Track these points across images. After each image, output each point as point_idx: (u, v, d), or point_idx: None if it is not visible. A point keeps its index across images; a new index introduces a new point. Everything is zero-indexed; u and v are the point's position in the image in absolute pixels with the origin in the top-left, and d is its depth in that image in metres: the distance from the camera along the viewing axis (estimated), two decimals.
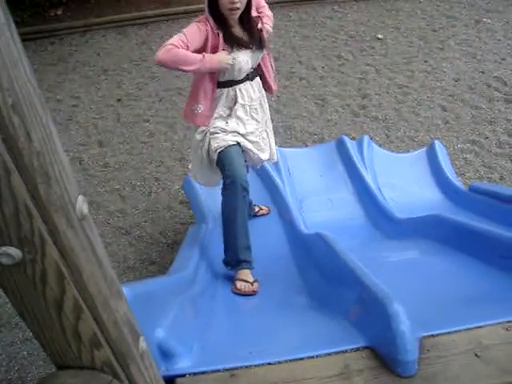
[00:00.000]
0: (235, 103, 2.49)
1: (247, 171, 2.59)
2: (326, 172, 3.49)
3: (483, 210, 2.79)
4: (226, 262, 2.53)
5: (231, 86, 2.47)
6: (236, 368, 1.28)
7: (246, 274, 2.44)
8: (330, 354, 1.32)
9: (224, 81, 2.45)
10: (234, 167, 2.37)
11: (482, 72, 5.58)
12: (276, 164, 3.40)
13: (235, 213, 2.40)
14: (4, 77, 0.62)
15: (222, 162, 2.43)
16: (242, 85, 2.48)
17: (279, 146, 3.71)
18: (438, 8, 7.31)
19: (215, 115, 2.50)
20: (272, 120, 4.80)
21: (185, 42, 2.26)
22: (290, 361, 1.30)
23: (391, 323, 1.27)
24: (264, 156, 2.67)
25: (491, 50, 6.03)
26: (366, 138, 3.64)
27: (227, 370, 1.27)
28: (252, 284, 2.37)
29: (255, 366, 1.29)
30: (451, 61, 5.89)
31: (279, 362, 1.30)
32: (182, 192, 3.82)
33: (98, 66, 6.50)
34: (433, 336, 1.36)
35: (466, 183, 3.90)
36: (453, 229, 2.23)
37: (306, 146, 4.50)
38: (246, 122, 2.53)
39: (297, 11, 7.53)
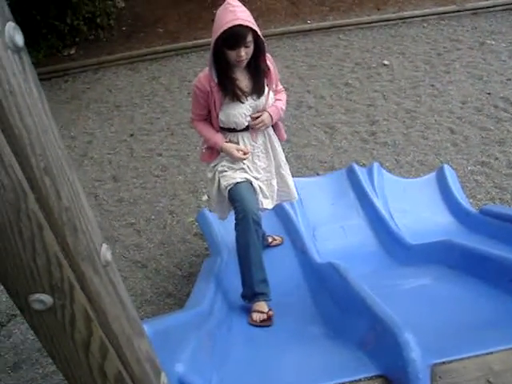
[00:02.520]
0: None
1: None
2: (338, 200, 3.53)
3: (495, 232, 2.80)
4: (243, 296, 2.56)
5: (232, 132, 2.55)
6: None
7: (261, 305, 2.47)
8: None
9: (224, 127, 2.53)
10: (245, 202, 2.43)
11: (489, 93, 5.63)
12: None
13: (248, 247, 2.44)
14: (37, 144, 0.69)
15: (233, 198, 2.50)
16: (243, 132, 2.55)
17: None
18: (442, 32, 7.41)
19: (222, 154, 2.59)
20: (283, 150, 4.93)
21: (196, 113, 2.56)
22: None
23: (402, 352, 1.30)
24: (266, 203, 2.68)
25: (497, 71, 6.08)
26: (375, 165, 3.68)
27: None
28: (266, 314, 2.41)
29: None
30: (457, 83, 5.95)
31: None
32: (197, 224, 3.88)
33: (110, 103, 6.66)
34: (444, 363, 1.38)
35: (478, 205, 3.92)
36: (463, 254, 2.25)
37: (317, 174, 4.55)
38: (251, 167, 2.59)
39: (303, 41, 7.68)
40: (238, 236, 2.50)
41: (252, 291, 2.50)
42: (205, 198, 4.47)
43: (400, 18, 7.83)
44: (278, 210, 3.42)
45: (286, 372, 1.52)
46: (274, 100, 2.58)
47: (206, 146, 2.65)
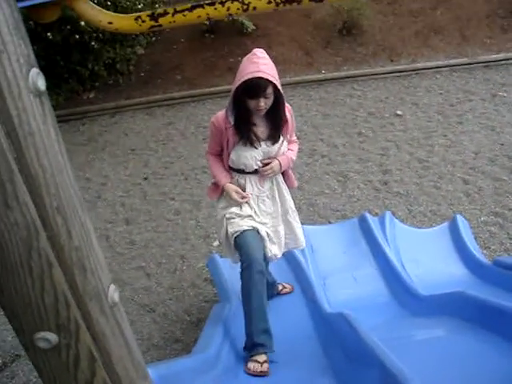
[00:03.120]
0: (244, 191, 2.59)
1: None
2: (349, 249, 3.51)
3: (509, 284, 2.76)
4: (244, 346, 2.51)
5: (241, 174, 2.59)
6: None
7: (260, 356, 2.42)
8: None
9: (234, 167, 2.58)
10: (249, 251, 2.44)
11: (502, 144, 5.65)
12: None
13: (250, 296, 2.43)
14: (51, 183, 0.71)
15: (238, 246, 2.51)
16: (251, 175, 2.58)
17: (301, 224, 3.77)
18: (455, 83, 7.50)
19: (225, 194, 2.63)
20: (294, 197, 4.91)
21: (211, 147, 2.64)
22: None
23: None
24: (274, 250, 2.66)
25: (509, 123, 6.12)
26: (387, 214, 3.67)
27: None
28: (261, 365, 2.35)
29: None
30: (470, 134, 5.98)
31: None
32: (207, 270, 3.86)
33: (126, 146, 6.77)
34: None
35: (492, 256, 3.87)
36: (477, 306, 2.21)
37: (329, 222, 4.54)
38: (257, 211, 2.61)
39: (317, 90, 7.80)
40: (242, 283, 2.49)
41: (252, 341, 2.45)
42: (216, 243, 4.47)
43: (413, 70, 7.96)
44: (289, 258, 3.40)
45: None
46: (287, 149, 2.63)
47: (213, 181, 2.72)
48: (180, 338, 3.51)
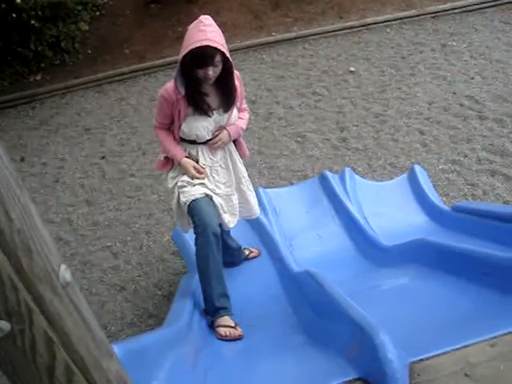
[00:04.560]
0: (197, 162, 2.56)
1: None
2: (312, 208, 3.54)
3: (469, 228, 2.83)
4: (205, 311, 2.54)
5: (192, 144, 2.55)
6: None
7: (225, 319, 2.45)
8: None
9: (186, 139, 2.54)
10: (203, 216, 2.42)
11: (454, 93, 5.73)
12: (262, 205, 3.45)
13: (208, 261, 2.44)
14: None
15: (192, 213, 2.48)
16: (203, 145, 2.56)
17: (263, 188, 3.77)
18: (405, 36, 7.53)
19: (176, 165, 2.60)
20: (255, 162, 4.95)
21: (159, 121, 2.58)
22: None
23: (378, 353, 1.29)
24: (227, 218, 2.65)
25: (460, 71, 6.20)
26: (347, 171, 3.71)
27: None
28: (236, 328, 2.40)
29: None
30: (423, 85, 6.04)
31: None
32: (173, 243, 3.84)
33: (79, 126, 6.60)
34: (422, 360, 1.37)
35: (451, 202, 3.96)
36: (438, 251, 2.26)
37: (292, 183, 4.56)
38: (210, 181, 2.59)
39: (269, 53, 7.72)
40: (197, 250, 2.49)
41: (213, 306, 2.47)
42: None
43: (363, 25, 7.94)
44: (254, 223, 3.41)
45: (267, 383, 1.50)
46: (237, 118, 2.60)
47: (164, 155, 2.64)
48: (153, 313, 3.51)
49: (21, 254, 0.76)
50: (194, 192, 2.50)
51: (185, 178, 2.54)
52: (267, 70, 7.18)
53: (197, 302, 2.52)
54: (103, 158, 5.75)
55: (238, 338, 2.36)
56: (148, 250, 4.17)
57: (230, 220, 2.68)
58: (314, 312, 2.07)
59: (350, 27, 7.93)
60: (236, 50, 7.56)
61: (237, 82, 2.50)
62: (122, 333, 3.43)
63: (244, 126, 2.67)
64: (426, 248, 2.37)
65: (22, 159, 6.03)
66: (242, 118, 2.66)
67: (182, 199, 2.52)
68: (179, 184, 2.55)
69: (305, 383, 1.42)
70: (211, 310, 2.49)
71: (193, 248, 3.18)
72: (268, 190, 3.77)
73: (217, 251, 2.46)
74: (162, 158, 2.66)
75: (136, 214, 4.66)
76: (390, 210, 3.41)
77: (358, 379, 1.36)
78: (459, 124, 5.11)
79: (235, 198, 2.71)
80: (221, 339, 2.36)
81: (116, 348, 1.14)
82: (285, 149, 5.22)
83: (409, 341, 1.45)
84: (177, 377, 1.41)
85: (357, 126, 5.41)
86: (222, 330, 2.39)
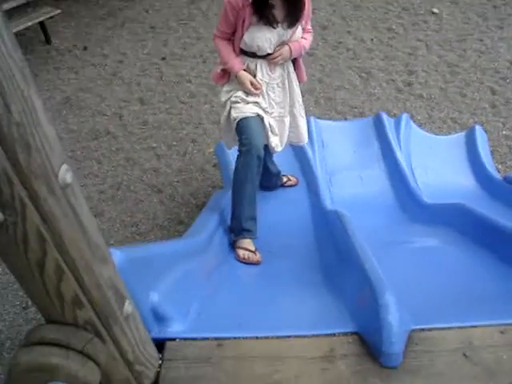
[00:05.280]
0: (254, 76, 2.49)
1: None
2: (360, 148, 3.44)
3: None
4: (230, 228, 2.59)
5: (252, 58, 2.47)
6: (224, 338, 1.31)
7: (247, 242, 2.50)
8: (317, 336, 1.33)
9: (246, 51, 2.46)
10: (251, 136, 2.40)
11: None
12: (310, 135, 3.37)
13: (245, 181, 2.44)
14: None
15: (240, 130, 2.47)
16: (263, 60, 2.47)
17: (316, 117, 3.67)
18: None
19: (233, 78, 2.53)
20: (313, 90, 4.81)
21: (221, 30, 2.44)
22: (278, 337, 1.32)
23: (379, 313, 1.26)
24: (275, 141, 2.62)
25: None
26: (404, 117, 3.55)
27: (216, 339, 1.31)
28: (255, 253, 2.44)
29: (243, 338, 1.32)
30: (509, 41, 5.61)
31: (266, 337, 1.32)
32: (215, 156, 3.85)
33: (145, 23, 6.52)
34: (424, 330, 1.34)
35: (506, 171, 3.79)
36: (475, 221, 2.16)
37: (346, 119, 4.43)
38: (265, 99, 2.53)
39: None
40: (236, 168, 2.49)
41: (239, 225, 2.51)
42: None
43: None
44: (298, 151, 3.36)
45: (268, 313, 1.51)
46: (300, 37, 2.50)
47: (221, 67, 2.58)
48: (184, 220, 3.58)
49: (18, 148, 0.74)
50: (246, 110, 2.46)
51: (239, 93, 2.49)
52: None
53: (223, 219, 2.53)
54: (163, 59, 5.70)
55: (255, 264, 2.40)
56: (190, 158, 4.20)
57: (278, 144, 2.65)
58: (335, 253, 2.05)
59: None
60: None
61: (306, 0, 2.39)
62: (151, 233, 3.54)
63: (307, 46, 2.57)
64: (464, 214, 2.27)
65: (85, 48, 6.04)
66: (305, 39, 2.55)
67: (233, 114, 2.49)
68: (233, 99, 2.51)
69: (303, 322, 1.42)
70: (236, 229, 2.53)
71: (233, 165, 3.21)
72: (320, 120, 3.66)
73: (256, 173, 2.45)
74: (219, 70, 2.60)
75: (186, 121, 4.66)
76: (439, 166, 3.28)
77: (355, 333, 1.35)
78: None
79: (287, 120, 2.68)
80: (239, 261, 2.41)
81: (120, 254, 1.15)
82: (347, 82, 5.04)
83: (419, 307, 1.41)
84: (179, 290, 1.43)
85: (426, 72, 5.13)
86: (241, 252, 2.44)
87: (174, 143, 4.39)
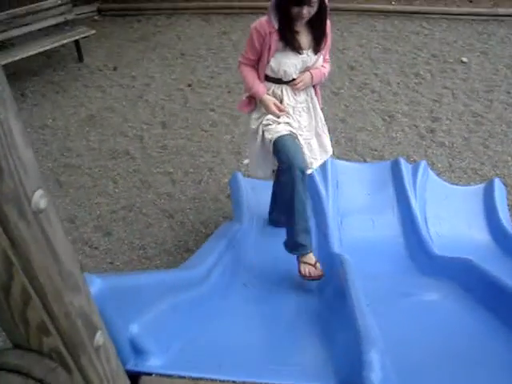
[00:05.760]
0: (281, 101, 2.55)
1: None
2: (375, 191, 3.40)
3: None
4: (285, 244, 2.60)
5: (278, 84, 2.54)
6: (200, 378, 1.27)
7: (308, 257, 2.51)
8: None
9: (272, 77, 2.52)
10: (290, 152, 2.42)
11: None
12: (325, 174, 3.36)
13: (293, 197, 2.43)
14: None
15: (278, 149, 2.48)
16: (287, 85, 2.54)
17: (332, 158, 3.65)
18: None
19: (259, 105, 2.60)
20: (335, 129, 4.81)
21: (246, 57, 2.54)
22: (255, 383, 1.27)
23: (362, 371, 1.20)
24: (309, 159, 2.68)
25: None
26: (422, 164, 3.51)
27: (192, 378, 1.26)
28: (315, 267, 2.47)
29: (220, 381, 1.27)
30: None
31: (244, 383, 1.28)
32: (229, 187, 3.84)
33: (176, 49, 6.64)
34: None
35: None
36: (481, 279, 2.09)
37: (365, 161, 4.40)
38: (296, 120, 2.59)
39: (383, 22, 7.35)
40: (282, 187, 2.53)
41: (293, 240, 2.52)
42: (246, 161, 4.40)
43: (492, 15, 7.32)
44: (311, 189, 3.33)
45: (251, 357, 1.46)
46: (321, 65, 2.59)
47: (247, 94, 2.65)
48: (192, 248, 3.56)
49: None
50: (279, 129, 2.51)
51: (270, 116, 2.55)
52: (376, 39, 6.85)
53: (228, 251, 2.49)
54: (190, 85, 5.78)
55: (318, 279, 2.44)
56: (205, 187, 4.20)
57: (312, 161, 2.70)
58: (332, 301, 1.98)
59: (477, 14, 7.36)
60: (350, 10, 7.26)
61: (328, 30, 2.49)
62: (157, 258, 3.52)
63: (326, 74, 2.66)
64: (471, 271, 2.20)
65: (115, 68, 6.17)
66: (324, 67, 2.65)
67: (268, 136, 2.53)
68: (264, 123, 2.56)
69: (285, 371, 1.36)
70: (290, 245, 2.56)
71: (245, 197, 3.20)
72: (336, 161, 3.65)
73: (302, 187, 2.45)
74: (245, 98, 2.68)
75: (204, 149, 4.68)
76: (454, 217, 3.21)
77: None
78: None
79: (314, 143, 2.73)
80: (302, 277, 2.47)
81: (100, 282, 1.13)
82: (369, 124, 5.02)
83: (408, 366, 1.35)
84: (164, 324, 1.39)
85: (450, 120, 5.09)
86: (302, 268, 2.48)
87: (191, 170, 4.40)
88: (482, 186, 3.51)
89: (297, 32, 2.40)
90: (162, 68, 6.18)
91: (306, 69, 2.52)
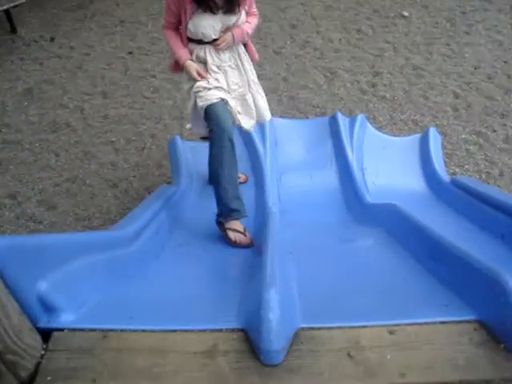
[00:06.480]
0: (205, 62, 2.55)
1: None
2: (314, 147, 3.43)
3: (459, 206, 2.70)
4: (219, 214, 2.60)
5: (200, 44, 2.53)
6: (111, 330, 1.28)
7: (236, 224, 2.55)
8: (203, 331, 1.31)
9: (193, 38, 2.51)
10: (219, 121, 2.45)
11: (505, 62, 5.36)
12: (263, 133, 3.37)
13: (222, 165, 2.48)
14: None
15: (208, 117, 2.51)
16: (211, 45, 2.53)
17: (273, 116, 3.65)
18: None
19: None
20: (277, 88, 4.80)
21: (167, 20, 2.52)
22: (164, 331, 1.30)
23: (260, 310, 1.23)
24: (245, 120, 2.72)
25: None
26: (359, 117, 3.55)
27: (102, 330, 1.28)
28: (245, 235, 2.52)
29: (130, 330, 1.29)
30: (475, 47, 5.66)
31: (153, 331, 1.30)
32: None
33: (115, 17, 6.45)
34: (313, 329, 1.32)
35: (463, 175, 3.82)
36: (402, 221, 2.14)
37: (307, 118, 4.43)
38: (224, 82, 2.59)
39: None
40: (211, 154, 2.53)
41: (227, 207, 2.54)
42: (188, 126, 4.37)
43: None
44: (250, 149, 3.35)
45: (164, 307, 1.48)
46: (244, 21, 2.57)
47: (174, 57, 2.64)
48: None
49: None
50: (209, 97, 2.51)
51: (200, 83, 2.53)
52: None
53: (162, 211, 2.48)
54: (130, 53, 5.64)
55: (247, 246, 2.47)
56: (148, 153, 4.17)
57: (248, 122, 2.73)
58: (258, 251, 2.02)
59: None
60: None
61: None
62: (102, 227, 3.49)
63: (250, 31, 2.63)
64: (395, 215, 2.26)
65: (52, 39, 5.96)
66: (248, 22, 2.62)
67: (199, 103, 2.54)
68: (195, 90, 2.56)
69: (194, 316, 1.39)
70: (224, 212, 2.56)
71: (183, 160, 3.19)
72: (275, 119, 3.65)
73: (232, 156, 2.49)
74: (172, 61, 2.69)
75: (147, 116, 4.62)
76: (390, 167, 3.27)
77: (241, 330, 1.32)
78: (499, 96, 4.81)
79: (249, 98, 2.73)
80: (233, 246, 2.49)
81: (1, 240, 1.13)
82: (311, 81, 5.03)
83: (318, 306, 1.39)
84: (78, 281, 1.39)
85: (391, 74, 5.16)
86: (232, 235, 2.51)
87: (134, 138, 4.35)
88: (418, 136, 3.58)
89: None
90: (102, 36, 6.00)
91: (228, 28, 2.49)
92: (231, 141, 2.47)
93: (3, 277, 1.12)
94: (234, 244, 2.49)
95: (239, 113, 2.69)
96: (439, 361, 1.24)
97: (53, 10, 6.62)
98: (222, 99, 2.54)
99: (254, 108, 2.77)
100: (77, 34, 6.06)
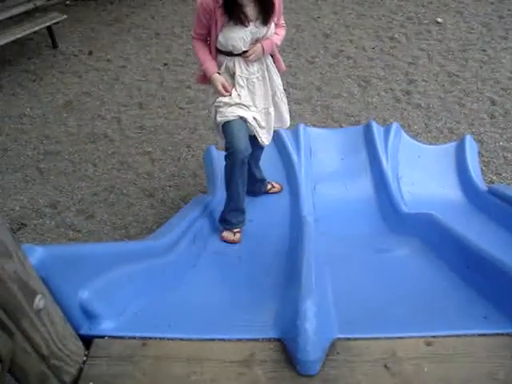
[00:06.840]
0: (233, 74, 2.59)
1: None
2: (348, 156, 3.42)
3: (497, 215, 2.66)
4: (220, 220, 2.82)
5: (230, 56, 2.56)
6: (150, 337, 1.31)
7: (233, 229, 2.74)
8: (240, 340, 1.32)
9: (223, 50, 2.55)
10: (233, 140, 2.53)
11: None
12: (298, 142, 3.38)
13: (231, 181, 2.65)
14: None
15: (225, 134, 2.60)
16: (240, 57, 2.56)
17: (305, 125, 3.66)
18: None
19: None
20: (311, 98, 4.82)
21: (197, 32, 2.56)
22: (202, 340, 1.32)
23: (297, 320, 1.24)
24: (264, 135, 2.76)
25: None
26: (394, 126, 3.52)
27: (141, 338, 1.31)
28: (234, 234, 2.72)
29: (168, 338, 1.32)
30: None
31: (190, 339, 1.32)
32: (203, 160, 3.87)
33: (151, 29, 6.59)
34: (349, 339, 1.32)
35: (501, 183, 3.75)
36: (439, 232, 2.12)
37: (341, 127, 4.42)
38: (248, 93, 2.63)
39: None
40: (225, 166, 2.66)
41: (222, 216, 2.77)
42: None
43: None
44: (285, 158, 3.36)
45: (202, 315, 1.51)
46: (273, 33, 2.59)
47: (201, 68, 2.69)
48: None
49: None
50: (228, 114, 2.57)
51: (221, 98, 2.59)
52: (350, 5, 6.81)
53: (199, 220, 2.53)
54: (165, 64, 5.76)
55: (232, 242, 2.69)
56: (184, 163, 4.23)
57: (267, 136, 2.80)
58: (292, 262, 2.03)
59: None
60: None
61: None
62: (139, 236, 3.56)
63: (278, 42, 2.66)
64: (431, 224, 2.24)
65: (90, 53, 6.13)
66: (277, 34, 2.65)
67: (218, 118, 2.62)
68: (216, 104, 2.62)
69: (231, 326, 1.41)
70: (221, 218, 2.78)
71: (218, 170, 3.23)
72: (309, 128, 3.66)
73: (240, 174, 2.62)
74: (200, 72, 2.73)
75: (182, 126, 4.70)
76: (426, 176, 3.24)
77: (278, 339, 1.33)
78: None
79: (272, 111, 2.78)
80: (221, 239, 2.74)
81: (42, 250, 1.16)
82: (345, 90, 5.03)
83: (355, 317, 1.39)
84: (118, 290, 1.43)
85: (426, 81, 5.11)
86: (224, 233, 2.74)
87: (170, 148, 4.43)
88: (454, 144, 3.53)
89: (242, 5, 2.39)
90: (138, 49, 6.14)
91: (258, 40, 2.52)
92: (243, 160, 2.56)
93: (48, 285, 1.16)
94: (222, 239, 2.73)
95: (263, 127, 2.73)
96: (478, 374, 1.23)
97: (91, 24, 6.81)
98: (241, 117, 2.58)
99: (273, 122, 2.82)
100: (114, 47, 6.21)
